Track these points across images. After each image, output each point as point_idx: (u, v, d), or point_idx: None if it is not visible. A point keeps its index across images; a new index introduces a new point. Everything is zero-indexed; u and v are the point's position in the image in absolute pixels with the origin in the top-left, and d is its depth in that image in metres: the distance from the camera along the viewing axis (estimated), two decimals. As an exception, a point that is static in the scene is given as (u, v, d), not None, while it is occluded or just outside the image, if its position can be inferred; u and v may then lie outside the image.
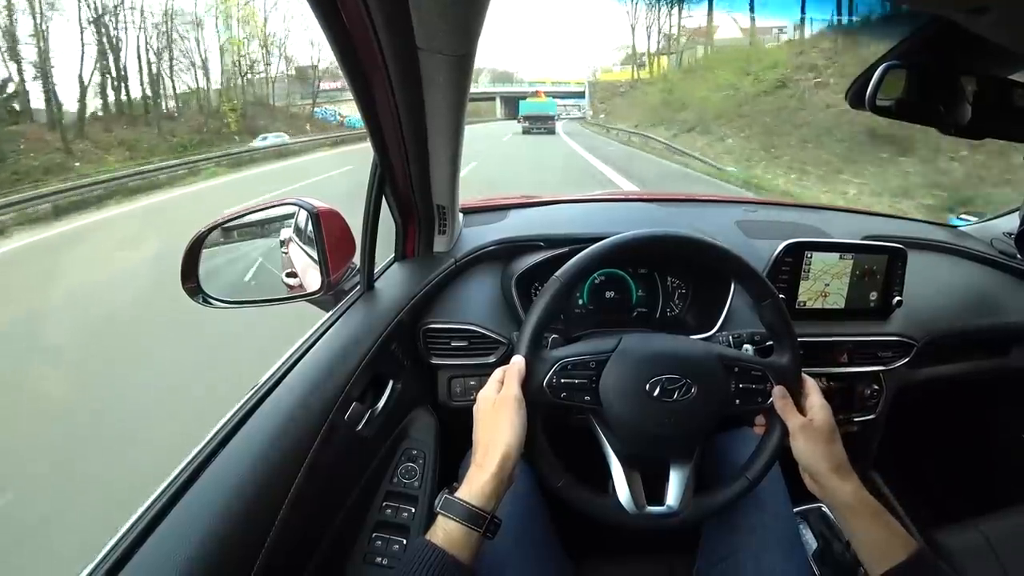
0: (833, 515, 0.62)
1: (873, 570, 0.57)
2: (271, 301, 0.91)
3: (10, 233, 7.65)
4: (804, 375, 0.68)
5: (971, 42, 0.54)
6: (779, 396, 0.65)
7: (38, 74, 16.63)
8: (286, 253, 0.99)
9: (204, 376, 2.53)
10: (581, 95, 43.50)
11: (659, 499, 0.64)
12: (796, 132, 12.15)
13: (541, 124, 23.82)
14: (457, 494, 0.54)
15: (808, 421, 0.63)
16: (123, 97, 19.61)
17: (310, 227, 0.85)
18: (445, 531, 0.52)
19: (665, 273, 1.03)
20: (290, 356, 0.71)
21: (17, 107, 16.13)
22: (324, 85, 30.36)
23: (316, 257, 0.84)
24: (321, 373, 0.68)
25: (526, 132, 23.70)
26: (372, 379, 0.78)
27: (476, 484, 0.54)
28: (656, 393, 0.62)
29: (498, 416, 0.57)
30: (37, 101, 16.48)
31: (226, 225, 0.88)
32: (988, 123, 0.64)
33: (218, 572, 0.47)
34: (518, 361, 0.61)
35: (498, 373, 0.62)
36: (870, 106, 0.66)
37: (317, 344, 0.73)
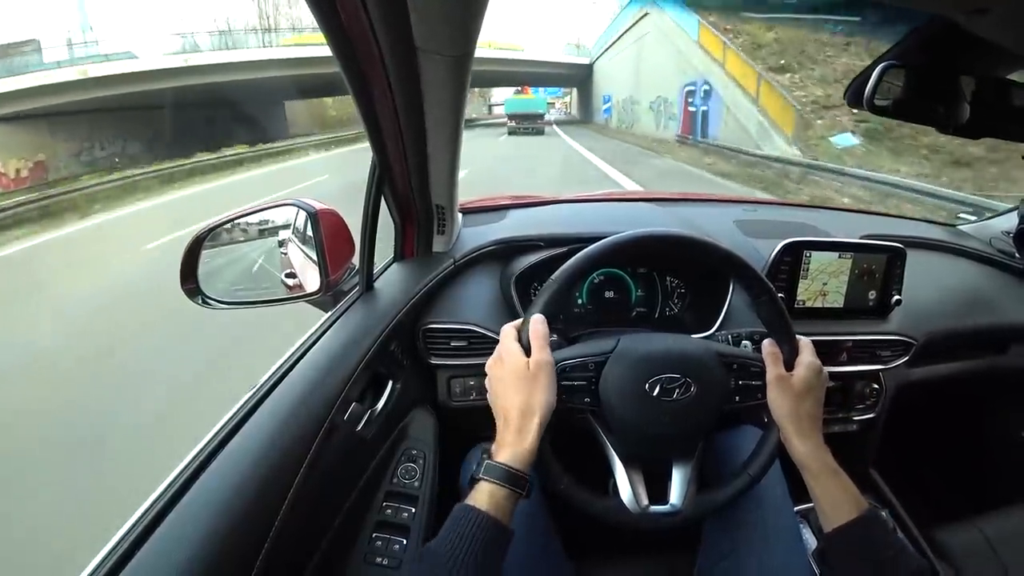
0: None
1: (825, 526, 0.61)
2: (270, 302, 0.91)
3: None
4: (799, 336, 0.68)
5: (970, 42, 0.54)
6: (767, 346, 0.68)
7: None
8: (285, 254, 0.99)
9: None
10: (564, 84, 31.85)
11: (661, 498, 0.65)
12: None
13: (529, 123, 21.14)
14: (498, 459, 0.55)
15: (786, 375, 0.65)
16: None
17: (309, 227, 0.85)
18: (491, 496, 0.53)
19: (664, 273, 1.03)
20: (290, 356, 0.71)
21: None
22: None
23: (315, 257, 0.84)
24: (321, 373, 0.68)
25: (512, 133, 20.68)
26: (372, 379, 0.78)
27: (519, 448, 0.55)
28: (656, 393, 0.62)
29: (535, 380, 0.58)
30: None
31: (225, 226, 0.88)
32: (987, 123, 0.64)
33: (218, 572, 0.47)
34: (539, 321, 0.61)
35: (510, 332, 0.62)
36: (868, 106, 0.66)
37: (317, 344, 0.73)
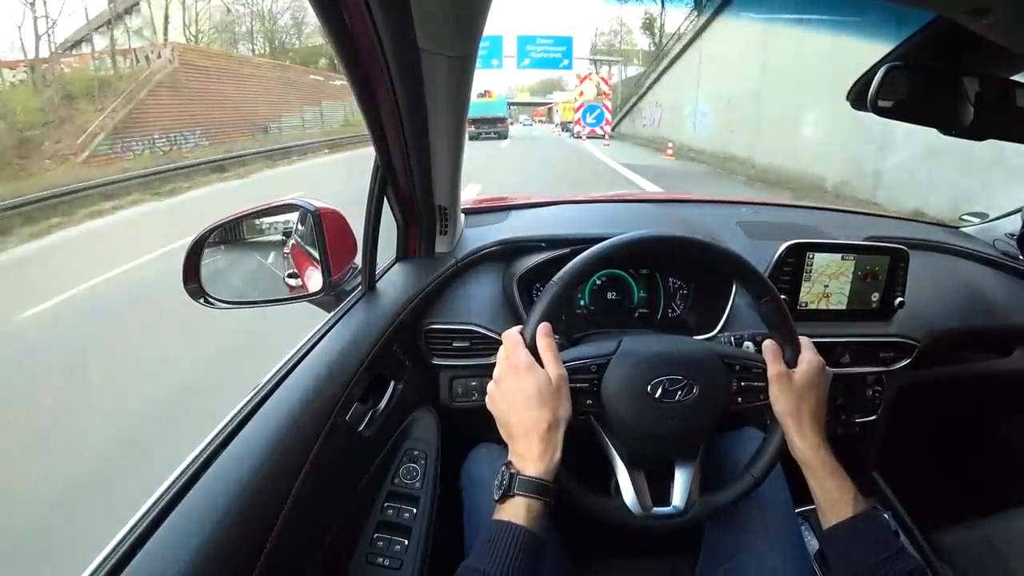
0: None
1: (824, 523, 0.61)
2: (273, 302, 0.91)
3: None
4: (800, 336, 0.68)
5: (973, 42, 0.54)
6: (768, 344, 0.68)
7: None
8: (288, 254, 0.99)
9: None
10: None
11: (665, 500, 0.64)
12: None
13: (490, 127, 20.78)
14: (528, 473, 0.56)
15: (787, 372, 0.65)
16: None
17: (312, 227, 0.86)
18: (528, 509, 0.55)
19: (666, 274, 1.03)
20: (292, 357, 0.71)
21: None
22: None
23: (318, 257, 0.84)
24: (323, 373, 0.69)
25: (473, 139, 19.13)
26: (374, 380, 0.78)
27: (549, 461, 0.57)
28: (658, 394, 0.62)
29: (558, 394, 0.59)
30: None
31: (227, 226, 0.88)
32: (990, 124, 0.64)
33: (220, 571, 0.47)
34: (546, 332, 0.61)
35: (519, 340, 0.62)
36: (872, 107, 0.66)
37: (319, 344, 0.73)
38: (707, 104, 14.67)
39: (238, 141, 16.30)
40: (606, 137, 18.25)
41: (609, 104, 19.55)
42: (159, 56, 16.04)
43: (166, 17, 22.04)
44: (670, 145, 14.24)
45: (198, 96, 16.18)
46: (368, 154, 0.79)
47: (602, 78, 21.31)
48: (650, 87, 19.98)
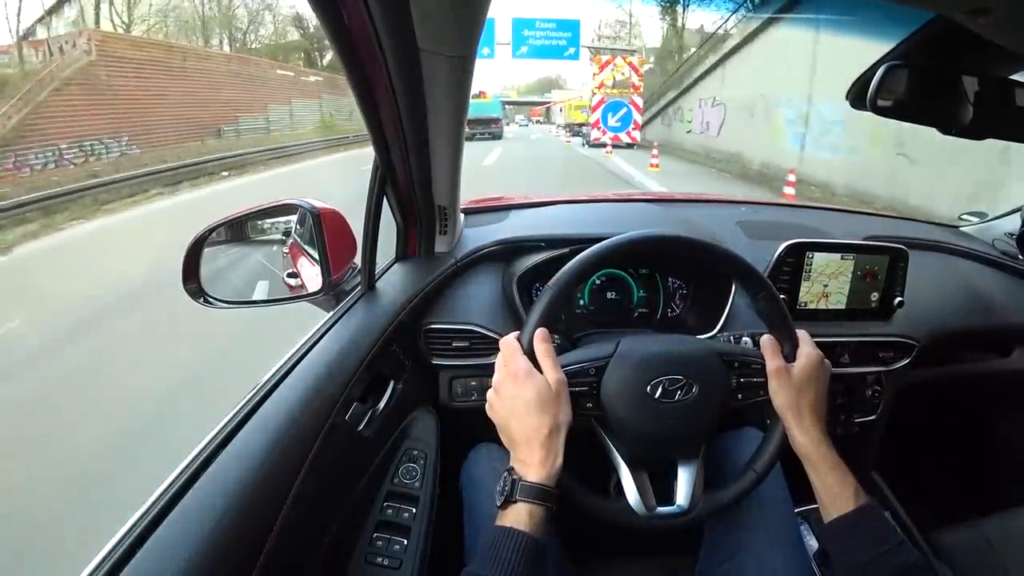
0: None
1: (825, 517, 0.62)
2: (272, 302, 0.91)
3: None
4: (798, 330, 0.68)
5: (973, 42, 0.54)
6: (767, 339, 0.68)
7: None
8: (287, 253, 0.99)
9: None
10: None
11: (668, 499, 0.65)
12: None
13: (484, 128, 20.88)
14: (530, 479, 0.56)
15: (785, 366, 0.65)
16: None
17: (311, 227, 0.86)
18: (531, 515, 0.55)
19: (666, 274, 1.03)
20: (291, 356, 0.71)
21: None
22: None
23: (317, 257, 0.85)
24: (322, 373, 0.69)
25: (467, 140, 20.46)
26: (373, 379, 0.78)
27: (550, 467, 0.57)
28: (658, 395, 0.62)
29: (558, 400, 0.59)
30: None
31: (227, 226, 0.88)
32: (990, 123, 0.64)
33: (220, 571, 0.47)
34: (543, 337, 0.61)
35: (516, 347, 0.62)
36: (871, 106, 0.66)
37: (318, 344, 0.74)
38: (835, 107, 8.01)
39: (171, 148, 13.11)
40: (654, 150, 10.87)
41: (639, 101, 14.21)
42: (73, 46, 12.86)
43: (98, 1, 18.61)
44: (792, 178, 7.22)
45: (124, 95, 13.22)
46: (356, 157, 0.78)
47: (630, 63, 14.21)
48: (699, 79, 13.42)
